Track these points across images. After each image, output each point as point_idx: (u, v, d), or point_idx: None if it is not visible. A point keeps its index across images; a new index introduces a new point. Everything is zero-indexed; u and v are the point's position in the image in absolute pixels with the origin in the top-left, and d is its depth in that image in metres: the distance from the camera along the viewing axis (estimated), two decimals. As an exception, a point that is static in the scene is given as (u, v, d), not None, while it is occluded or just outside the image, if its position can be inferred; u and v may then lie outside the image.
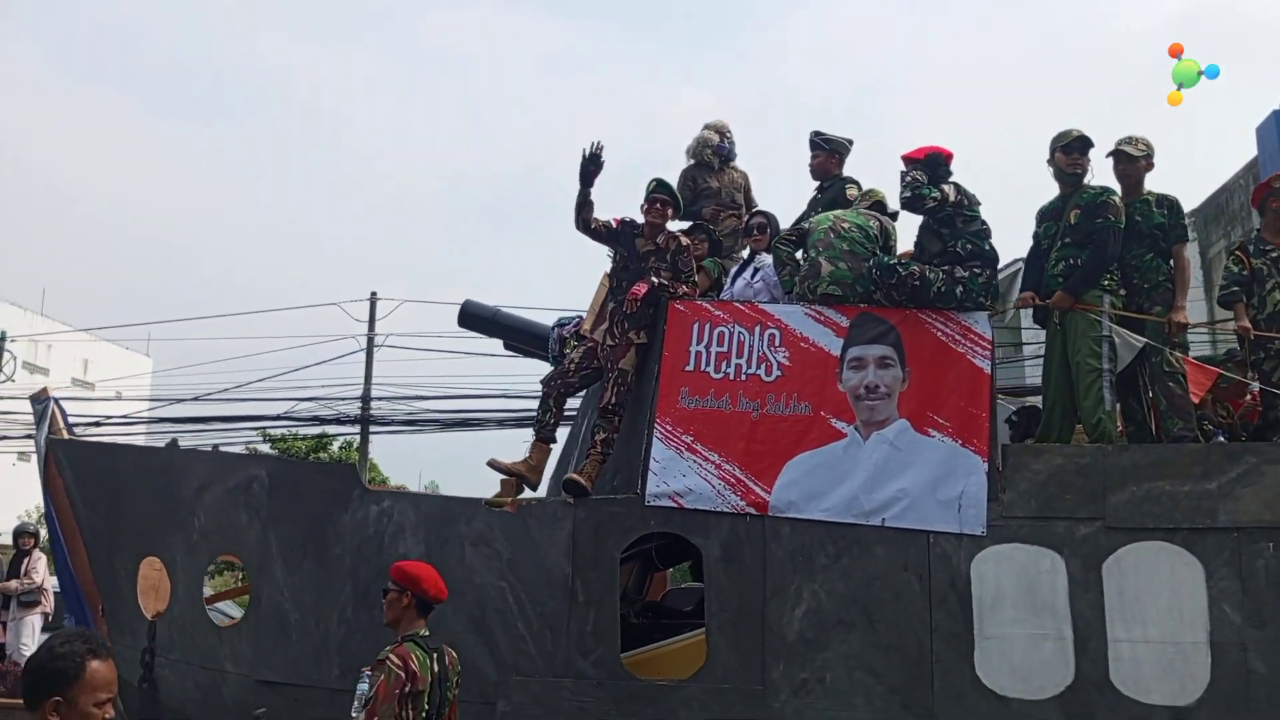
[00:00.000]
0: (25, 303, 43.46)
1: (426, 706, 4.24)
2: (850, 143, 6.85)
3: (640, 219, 6.09)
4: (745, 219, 6.97)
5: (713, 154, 7.29)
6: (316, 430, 23.52)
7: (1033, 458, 5.35)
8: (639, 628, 6.33)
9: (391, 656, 4.22)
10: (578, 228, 6.09)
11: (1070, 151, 5.64)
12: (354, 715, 4.40)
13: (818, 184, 6.79)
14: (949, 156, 5.82)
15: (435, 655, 4.34)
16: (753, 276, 6.33)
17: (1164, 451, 5.28)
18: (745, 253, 6.84)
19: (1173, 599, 5.03)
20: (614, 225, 6.14)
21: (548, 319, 7.57)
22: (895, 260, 5.65)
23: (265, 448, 25.31)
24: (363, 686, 4.39)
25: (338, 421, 19.56)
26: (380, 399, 19.21)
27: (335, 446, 25.67)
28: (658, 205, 6.01)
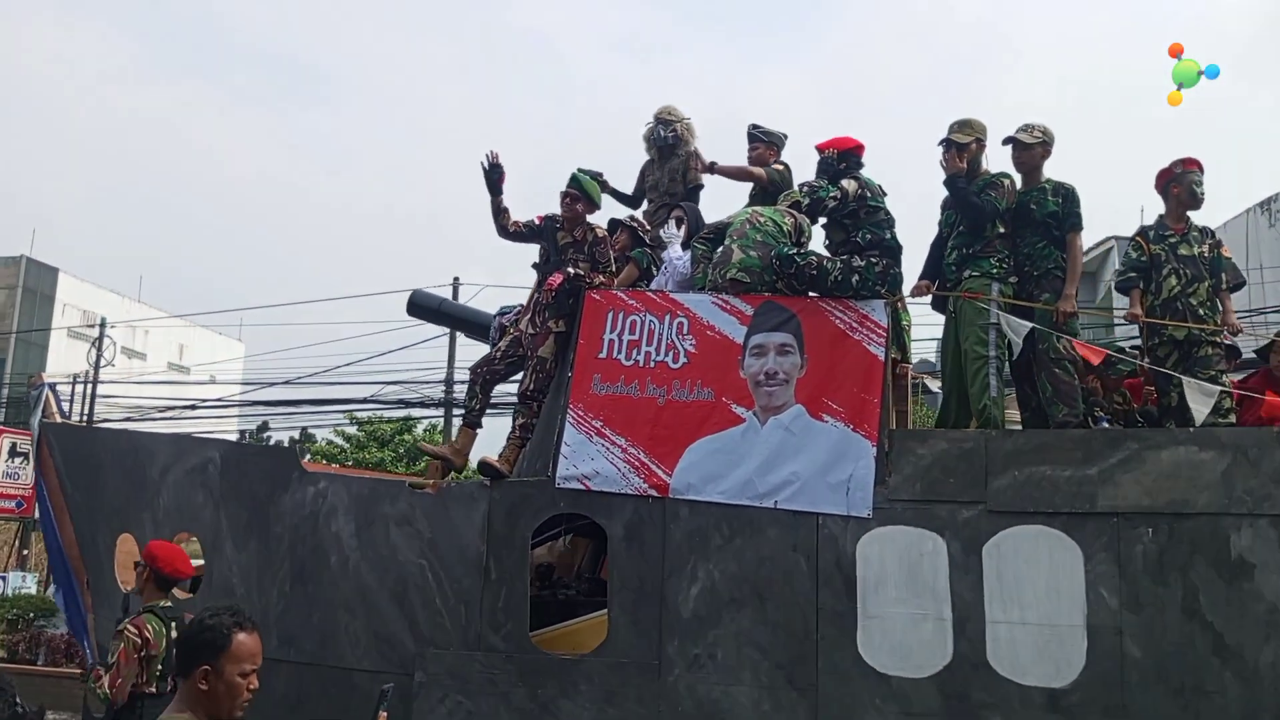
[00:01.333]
0: (123, 289, 45.34)
1: (160, 668, 4.90)
2: (785, 136, 6.99)
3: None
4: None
5: (651, 145, 7.44)
6: (401, 413, 24.28)
7: (918, 442, 5.44)
8: (567, 602, 6.59)
9: (129, 627, 4.89)
10: (499, 234, 6.36)
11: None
12: (101, 679, 4.93)
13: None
14: (860, 148, 5.93)
15: (173, 623, 4.94)
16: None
17: (1046, 437, 5.34)
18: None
19: (1051, 582, 5.09)
20: (536, 223, 6.39)
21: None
22: (794, 250, 5.77)
23: (353, 430, 26.16)
24: (109, 656, 5.03)
25: (422, 405, 20.19)
26: (463, 382, 19.75)
27: (420, 429, 26.31)
28: (566, 200, 6.24)
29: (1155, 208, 5.95)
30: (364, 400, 19.68)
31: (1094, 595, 5.03)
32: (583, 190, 6.29)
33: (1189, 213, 5.70)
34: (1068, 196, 5.62)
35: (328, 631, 6.16)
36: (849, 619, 5.33)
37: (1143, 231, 5.71)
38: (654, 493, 5.72)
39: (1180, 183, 5.65)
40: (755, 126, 6.97)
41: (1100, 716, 4.93)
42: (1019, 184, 5.73)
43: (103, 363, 26.55)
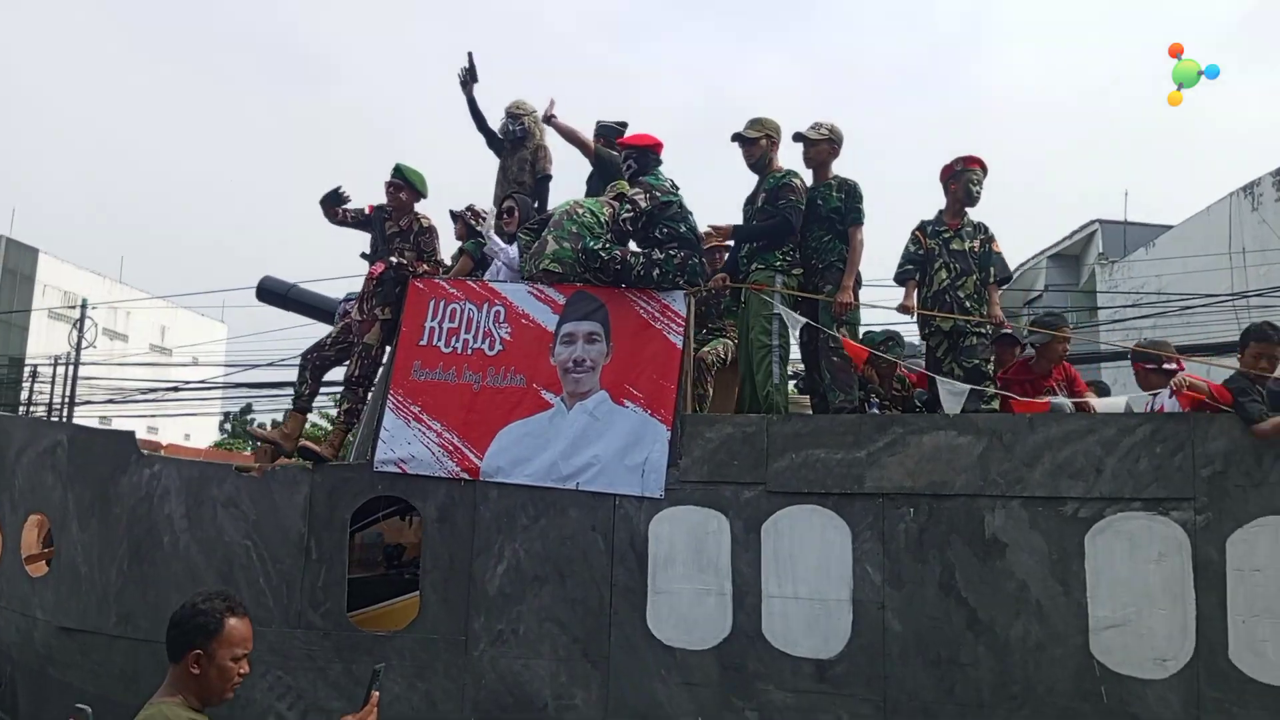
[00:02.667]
0: (104, 270, 44.94)
1: None
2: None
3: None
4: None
5: (503, 138, 7.65)
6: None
7: (706, 427, 5.70)
8: (415, 580, 6.84)
9: None
10: (329, 221, 6.59)
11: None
12: None
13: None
14: (658, 146, 6.16)
15: None
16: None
17: (821, 422, 5.61)
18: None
19: (821, 559, 5.37)
20: (367, 212, 6.59)
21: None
22: (600, 245, 6.00)
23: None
24: None
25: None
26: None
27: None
28: (391, 189, 6.45)
29: (1138, 193, 6.23)
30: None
31: (860, 571, 5.32)
32: (406, 179, 6.50)
33: (967, 209, 5.97)
34: (850, 192, 5.87)
35: (161, 609, 6.35)
36: (640, 595, 5.60)
37: (921, 226, 5.98)
38: (466, 476, 5.96)
39: (959, 180, 5.91)
40: (600, 122, 7.19)
41: (863, 687, 5.23)
42: (809, 180, 5.97)
43: (84, 344, 26.43)
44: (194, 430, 36.40)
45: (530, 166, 7.65)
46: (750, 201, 6.07)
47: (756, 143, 5.93)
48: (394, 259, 6.33)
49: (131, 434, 6.79)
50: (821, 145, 5.93)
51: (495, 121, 7.79)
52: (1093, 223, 26.50)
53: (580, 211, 6.22)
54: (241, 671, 2.64)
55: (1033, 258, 28.88)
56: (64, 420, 23.91)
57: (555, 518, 5.80)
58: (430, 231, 6.53)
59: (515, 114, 7.61)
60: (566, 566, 5.74)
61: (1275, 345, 5.01)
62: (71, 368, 25.78)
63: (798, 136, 5.96)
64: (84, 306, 27.61)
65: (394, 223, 6.51)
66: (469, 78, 7.19)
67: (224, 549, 6.23)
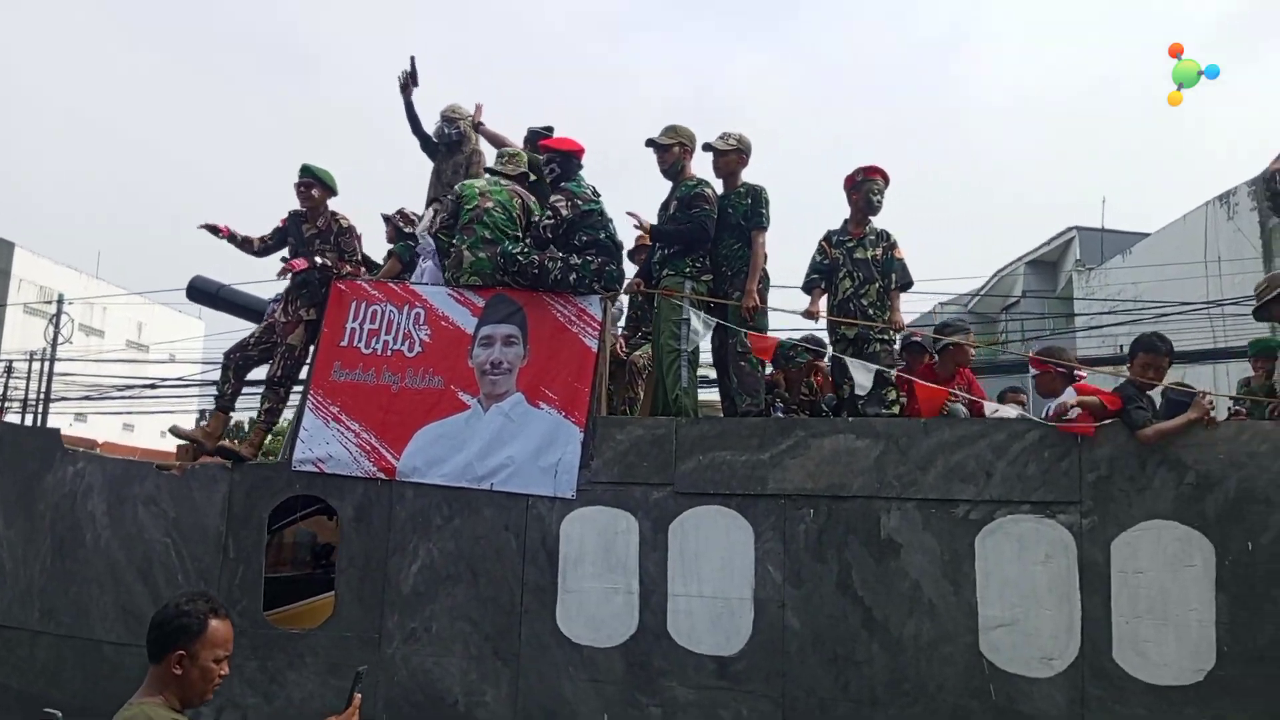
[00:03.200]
0: (81, 265, 44.51)
1: None
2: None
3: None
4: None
5: (438, 141, 7.72)
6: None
7: (617, 429, 5.81)
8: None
9: None
10: (256, 258, 6.73)
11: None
12: None
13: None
14: (579, 152, 6.26)
15: None
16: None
17: (726, 424, 5.73)
18: None
19: (725, 558, 5.49)
20: (280, 225, 6.68)
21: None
22: (518, 250, 6.09)
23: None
24: None
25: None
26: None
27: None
28: (300, 189, 6.53)
29: (1116, 199, 6.35)
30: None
31: (762, 570, 5.43)
32: (315, 176, 6.58)
33: (870, 217, 6.11)
34: (756, 197, 5.99)
35: (82, 605, 6.42)
36: (550, 593, 5.70)
37: (827, 236, 6.12)
38: (382, 475, 6.05)
39: (860, 190, 6.06)
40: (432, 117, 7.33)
41: (762, 683, 5.34)
42: (720, 189, 6.10)
43: (60, 340, 26.20)
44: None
45: (465, 171, 7.72)
46: (664, 208, 6.19)
47: (670, 149, 6.05)
48: (318, 259, 6.40)
49: (56, 431, 6.85)
50: (730, 155, 6.06)
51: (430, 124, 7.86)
52: (1070, 229, 26.68)
53: (489, 207, 6.27)
54: (222, 672, 2.66)
55: (1011, 264, 29.08)
56: (36, 417, 23.81)
57: (469, 518, 5.89)
58: (350, 231, 6.61)
59: (451, 118, 7.69)
60: (479, 565, 5.83)
61: (1162, 356, 5.17)
62: (47, 364, 25.58)
63: (707, 146, 6.08)
64: (60, 302, 27.42)
65: (311, 224, 6.59)
66: (409, 81, 7.26)
67: (144, 546, 6.29)
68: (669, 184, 6.23)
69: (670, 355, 5.86)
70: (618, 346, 6.56)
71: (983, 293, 29.47)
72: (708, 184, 6.07)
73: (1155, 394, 5.40)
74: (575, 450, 5.79)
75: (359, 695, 2.90)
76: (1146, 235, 22.38)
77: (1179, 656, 4.89)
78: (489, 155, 7.70)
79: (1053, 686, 5.00)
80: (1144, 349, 5.20)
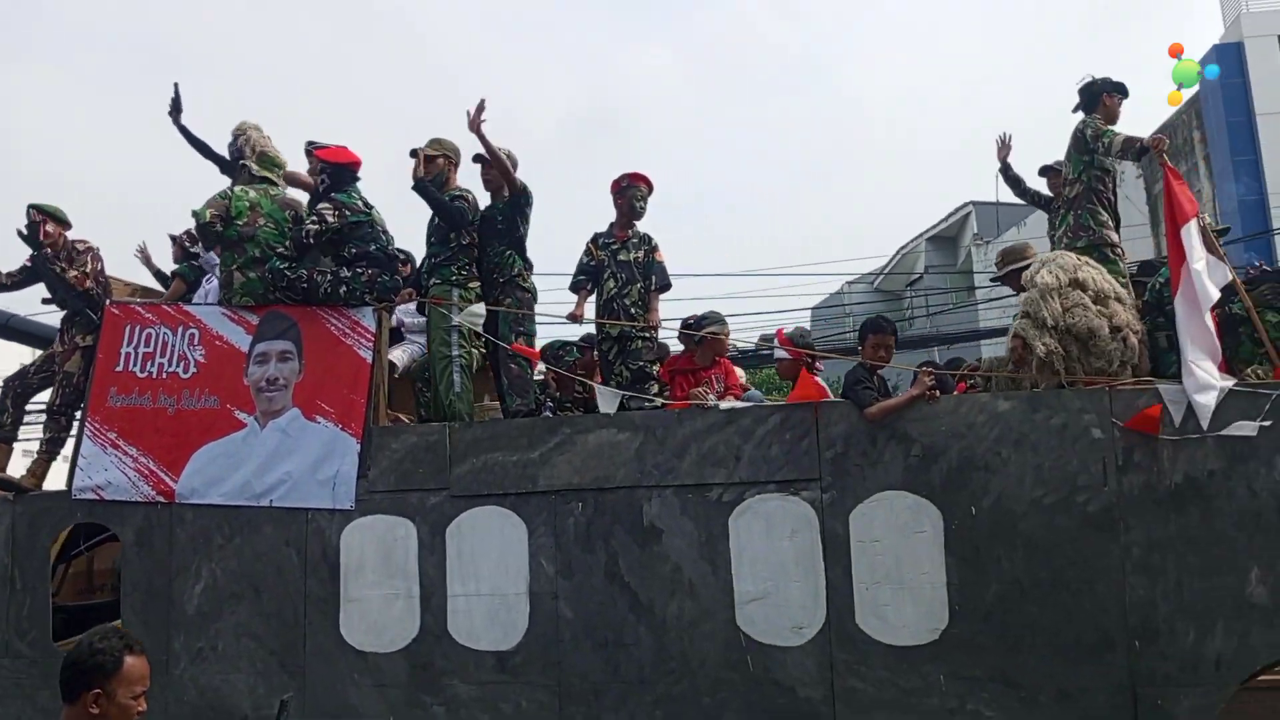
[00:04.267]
0: None
1: None
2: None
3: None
4: None
5: (233, 159, 7.64)
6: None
7: (392, 437, 5.93)
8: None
9: None
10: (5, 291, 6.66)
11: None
12: None
13: None
14: (356, 164, 6.33)
15: None
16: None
17: (499, 426, 5.92)
18: None
19: (501, 556, 5.67)
20: (28, 264, 6.59)
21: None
22: (285, 265, 6.13)
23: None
24: None
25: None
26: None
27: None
28: (37, 228, 6.44)
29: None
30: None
31: (535, 565, 5.63)
32: (46, 213, 6.51)
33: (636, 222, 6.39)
34: (515, 204, 6.22)
35: None
36: (333, 604, 5.80)
37: (594, 238, 6.38)
38: (162, 499, 6.05)
39: (625, 195, 6.34)
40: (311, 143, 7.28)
41: (539, 673, 5.55)
42: (489, 200, 6.29)
43: None
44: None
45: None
46: (432, 219, 6.32)
47: (434, 160, 6.18)
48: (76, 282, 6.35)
49: None
50: (495, 169, 6.23)
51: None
52: (967, 204, 27.39)
53: (261, 223, 6.26)
54: (140, 709, 2.64)
55: (912, 240, 29.81)
56: None
57: (250, 535, 5.95)
58: (91, 250, 6.56)
59: (236, 135, 7.64)
60: (262, 582, 5.89)
61: (889, 335, 5.55)
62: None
63: (477, 158, 6.24)
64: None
65: (56, 260, 6.50)
66: (174, 109, 7.00)
67: (-77, 585, 6.16)
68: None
69: (442, 362, 6.01)
70: None
71: (887, 271, 30.25)
72: (470, 192, 6.24)
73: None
74: (353, 461, 5.89)
75: None
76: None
77: (915, 618, 5.27)
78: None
79: (804, 654, 5.33)
80: (872, 330, 5.57)
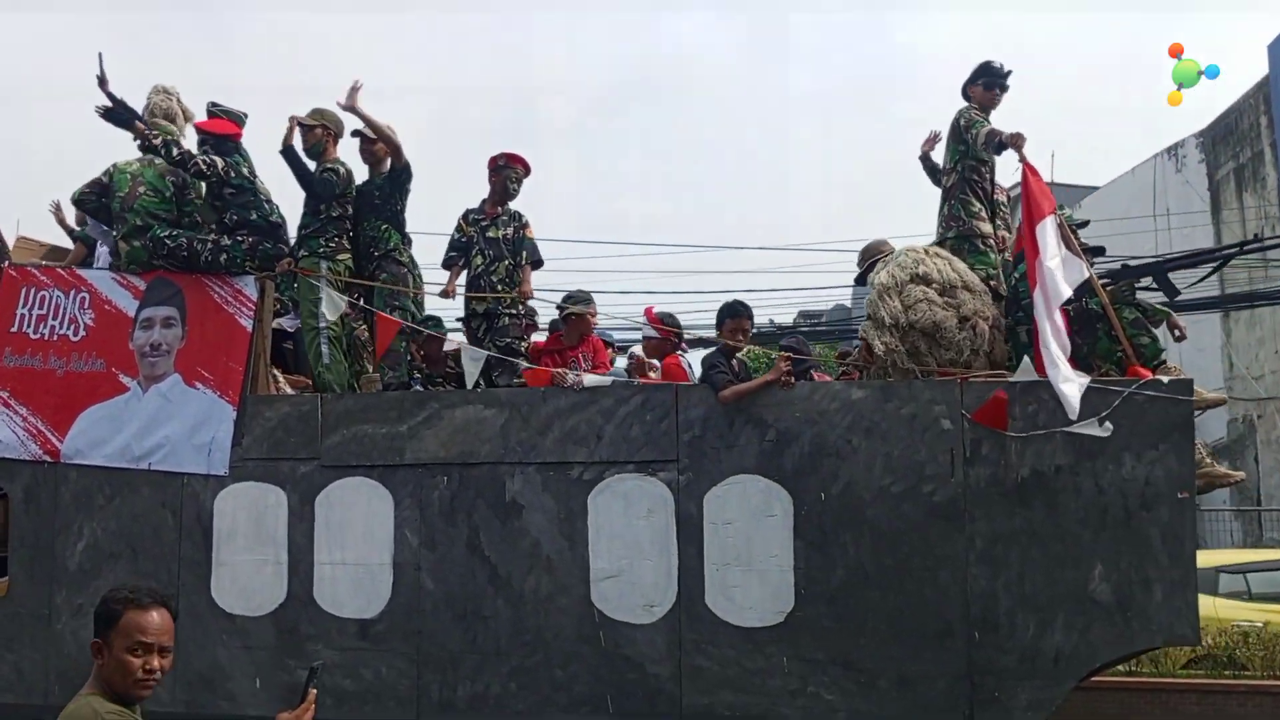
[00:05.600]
0: None
1: None
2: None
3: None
4: None
5: None
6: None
7: (266, 406, 6.01)
8: None
9: None
10: None
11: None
12: None
13: None
14: (236, 135, 6.36)
15: None
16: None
17: (370, 399, 5.98)
18: None
19: (367, 526, 5.76)
20: None
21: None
22: (166, 233, 6.17)
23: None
24: None
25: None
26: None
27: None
28: None
29: (1064, 153, 6.46)
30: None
31: (400, 536, 5.72)
32: None
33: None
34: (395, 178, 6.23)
35: None
36: (205, 567, 5.92)
37: (465, 214, 6.39)
38: (49, 458, 6.17)
39: (500, 174, 6.34)
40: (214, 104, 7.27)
41: (400, 641, 5.66)
42: (366, 175, 6.30)
43: None
44: None
45: None
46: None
47: (312, 130, 6.19)
48: None
49: None
50: (378, 145, 6.23)
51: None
52: (1019, 185, 26.72)
53: (141, 193, 6.25)
54: (146, 666, 2.56)
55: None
56: None
57: (129, 497, 6.06)
58: None
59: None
60: (139, 543, 6.02)
61: (745, 319, 5.55)
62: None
63: (356, 133, 6.24)
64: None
65: None
66: (101, 80, 6.90)
67: None
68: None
69: (310, 333, 6.07)
70: None
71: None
72: (343, 164, 6.26)
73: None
74: (228, 428, 5.98)
75: (314, 690, 2.80)
76: (1095, 189, 22.43)
77: (762, 600, 5.33)
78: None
79: (654, 631, 5.42)
80: (729, 315, 5.58)
